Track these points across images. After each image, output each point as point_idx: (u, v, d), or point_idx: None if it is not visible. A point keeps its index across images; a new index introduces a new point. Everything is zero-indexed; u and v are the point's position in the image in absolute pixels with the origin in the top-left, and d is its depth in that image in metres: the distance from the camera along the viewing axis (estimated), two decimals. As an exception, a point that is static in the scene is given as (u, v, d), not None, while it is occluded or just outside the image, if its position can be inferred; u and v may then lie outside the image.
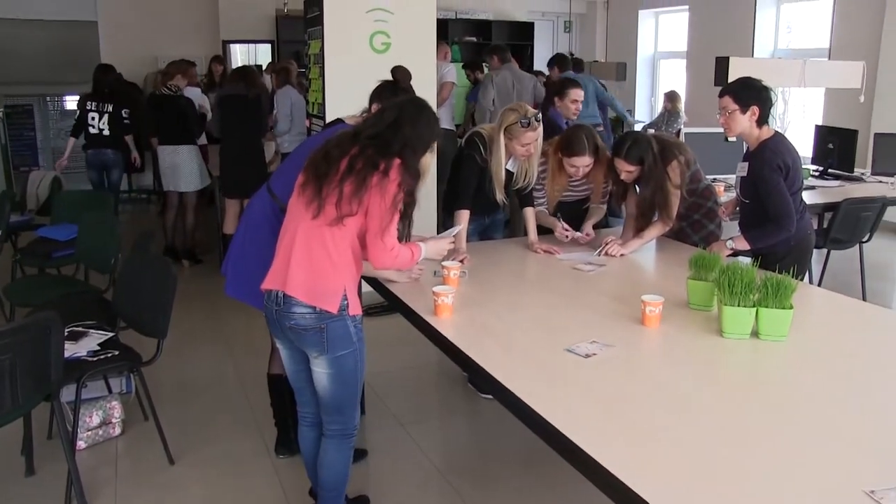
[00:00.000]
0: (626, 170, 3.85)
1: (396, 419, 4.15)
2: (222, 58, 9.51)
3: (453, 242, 3.36)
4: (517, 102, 4.02)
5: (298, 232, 2.67)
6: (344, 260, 2.66)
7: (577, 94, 5.70)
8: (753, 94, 3.62)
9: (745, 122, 3.62)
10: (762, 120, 3.63)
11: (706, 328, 2.78)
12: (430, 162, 2.83)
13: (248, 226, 3.34)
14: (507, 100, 7.28)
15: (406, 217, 2.73)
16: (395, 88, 3.44)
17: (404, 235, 2.81)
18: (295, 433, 3.41)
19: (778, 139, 3.67)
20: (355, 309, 2.71)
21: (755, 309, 2.64)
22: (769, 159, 3.58)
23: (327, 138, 2.78)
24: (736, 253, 3.75)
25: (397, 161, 2.62)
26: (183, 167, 6.99)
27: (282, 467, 3.66)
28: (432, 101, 5.71)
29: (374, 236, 2.66)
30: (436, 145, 2.87)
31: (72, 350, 3.42)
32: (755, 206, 3.71)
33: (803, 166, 6.21)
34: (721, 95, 3.69)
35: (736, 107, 3.61)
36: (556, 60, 8.54)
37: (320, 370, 2.75)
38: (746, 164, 3.72)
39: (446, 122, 8.19)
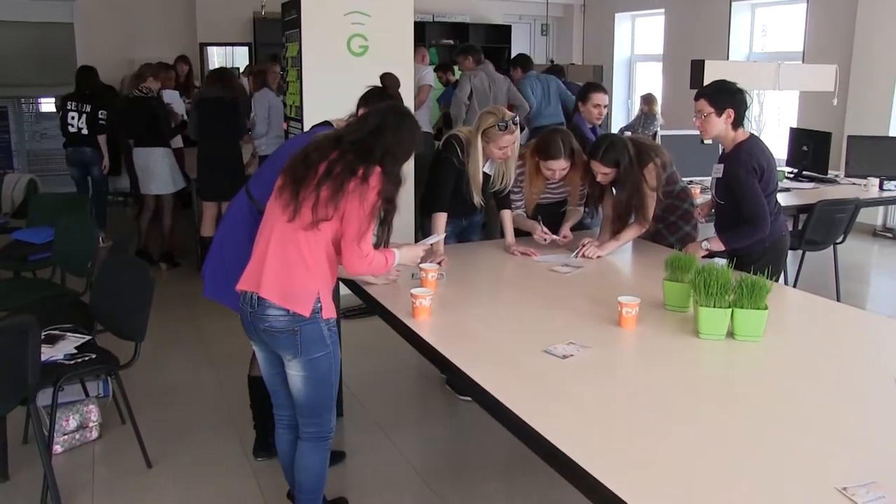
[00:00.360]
0: (602, 172, 3.88)
1: (375, 421, 4.15)
2: (187, 57, 9.42)
3: (427, 250, 3.37)
4: (494, 106, 4.05)
5: (274, 234, 2.68)
6: (318, 263, 2.66)
7: (600, 98, 5.27)
8: (728, 98, 3.66)
9: (720, 124, 3.67)
10: (737, 122, 3.68)
11: (682, 329, 2.81)
12: (410, 168, 2.84)
13: (227, 228, 3.34)
14: (484, 100, 7.30)
15: (386, 223, 2.74)
16: (383, 95, 3.44)
17: (383, 241, 2.81)
18: (274, 436, 3.41)
19: (753, 142, 3.71)
20: (329, 312, 2.71)
21: (730, 310, 2.67)
22: (744, 161, 3.63)
23: (308, 143, 2.78)
24: (711, 254, 3.79)
25: (377, 168, 2.63)
26: (156, 170, 6.95)
27: (260, 470, 3.65)
28: (410, 104, 5.72)
29: (349, 242, 2.66)
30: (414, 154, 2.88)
31: (48, 353, 3.40)
32: (730, 208, 3.75)
33: (778, 168, 6.30)
34: (696, 99, 3.73)
35: (711, 110, 3.66)
36: (518, 61, 8.51)
37: (294, 373, 2.76)
38: (722, 165, 3.77)
39: (424, 126, 8.22)
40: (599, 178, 3.93)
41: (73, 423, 3.81)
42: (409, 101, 5.76)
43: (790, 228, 6.19)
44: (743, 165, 3.63)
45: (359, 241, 2.66)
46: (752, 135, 3.78)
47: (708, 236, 3.90)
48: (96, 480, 3.59)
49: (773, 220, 3.77)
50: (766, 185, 3.69)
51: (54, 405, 3.42)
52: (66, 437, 3.79)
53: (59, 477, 3.29)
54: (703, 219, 4.19)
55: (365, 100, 3.43)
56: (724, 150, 3.79)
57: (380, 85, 3.85)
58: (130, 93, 7.15)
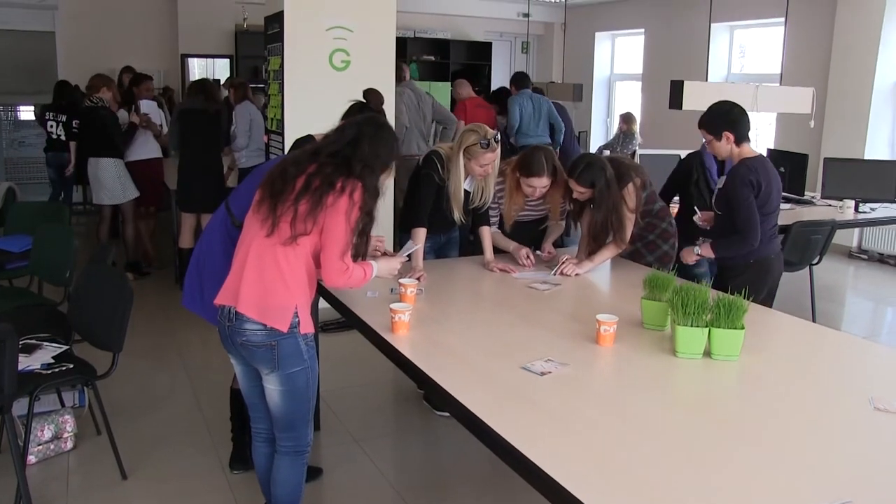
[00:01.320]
0: (579, 191, 3.92)
1: (351, 436, 4.15)
2: (131, 67, 9.34)
3: (405, 261, 3.38)
4: (476, 123, 4.07)
5: (252, 249, 2.68)
6: (297, 278, 2.66)
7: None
8: (721, 121, 3.89)
9: (724, 147, 3.91)
10: (739, 139, 3.90)
11: (660, 347, 2.83)
12: (388, 180, 2.86)
13: (205, 242, 3.34)
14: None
15: (364, 235, 2.74)
16: (365, 110, 3.47)
17: (361, 253, 2.82)
18: (251, 448, 3.40)
19: (758, 160, 3.91)
20: (307, 327, 2.72)
21: (708, 329, 2.70)
22: (742, 175, 3.81)
23: (285, 156, 2.79)
24: (700, 259, 4.04)
25: (359, 184, 2.64)
26: (104, 180, 6.89)
27: (236, 483, 3.64)
28: (391, 119, 5.75)
29: (331, 257, 2.66)
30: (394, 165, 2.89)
31: (25, 363, 3.39)
32: (727, 219, 3.91)
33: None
34: (699, 127, 3.97)
35: (711, 137, 3.91)
36: (515, 79, 8.60)
37: (272, 387, 2.76)
38: (724, 178, 3.96)
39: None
40: (576, 196, 3.97)
41: (47, 434, 3.78)
42: (389, 115, 5.79)
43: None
44: (740, 178, 3.80)
45: (341, 256, 2.67)
46: (760, 154, 3.96)
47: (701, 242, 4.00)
48: (70, 491, 3.56)
49: (767, 240, 3.93)
50: (762, 203, 3.83)
51: (30, 415, 3.39)
52: (40, 447, 3.75)
53: (32, 488, 3.26)
54: (706, 224, 4.22)
55: (347, 115, 3.46)
56: (731, 164, 4.00)
57: (362, 100, 3.88)
58: (83, 103, 7.18)
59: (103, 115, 6.88)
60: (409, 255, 3.41)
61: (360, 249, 2.79)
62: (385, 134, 2.79)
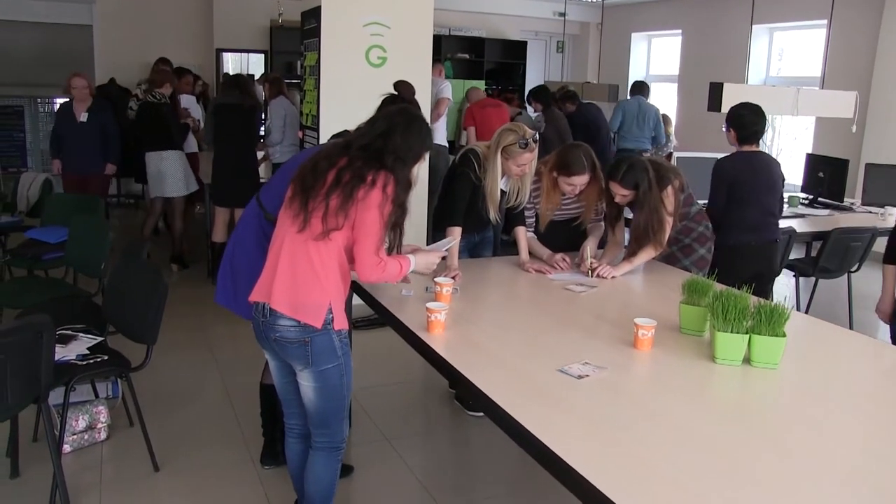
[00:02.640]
0: (621, 193, 3.87)
1: (382, 434, 4.14)
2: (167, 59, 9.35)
3: (444, 256, 3.36)
4: (515, 123, 4.04)
5: (285, 245, 2.67)
6: (330, 274, 2.65)
7: None
8: (730, 119, 4.52)
9: (729, 140, 4.53)
10: (742, 140, 4.47)
11: (698, 353, 2.79)
12: (419, 172, 2.83)
13: (237, 236, 3.35)
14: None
15: (397, 227, 2.72)
16: (397, 102, 3.44)
17: (395, 246, 2.80)
18: (282, 444, 3.40)
19: (739, 155, 4.49)
20: (341, 323, 2.70)
21: (748, 336, 2.65)
22: (718, 165, 4.50)
23: (318, 150, 2.78)
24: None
25: (392, 177, 2.62)
26: (168, 172, 7.00)
27: (267, 478, 3.64)
28: (427, 117, 5.73)
29: (365, 251, 2.65)
30: (427, 156, 2.87)
31: (61, 353, 3.41)
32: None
33: (792, 194, 6.32)
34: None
35: (724, 129, 4.57)
36: (633, 86, 8.97)
37: (306, 383, 2.75)
38: None
39: (440, 139, 8.23)
40: (618, 200, 3.92)
41: (82, 424, 3.81)
42: (426, 113, 5.79)
43: (803, 255, 6.21)
44: (713, 172, 4.49)
45: (375, 251, 2.65)
46: (754, 151, 4.47)
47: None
48: (104, 481, 3.59)
49: (739, 229, 4.44)
50: (739, 194, 4.42)
51: (65, 405, 3.42)
52: (75, 436, 3.79)
53: (67, 476, 3.28)
54: None
55: (381, 109, 3.44)
56: None
57: (394, 93, 3.86)
58: (144, 98, 7.22)
59: (166, 111, 6.96)
60: (445, 251, 3.37)
61: (394, 242, 2.77)
62: (417, 125, 2.76)
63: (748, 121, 4.40)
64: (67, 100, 7.08)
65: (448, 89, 8.44)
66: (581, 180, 3.99)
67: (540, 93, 8.59)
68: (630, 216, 4.05)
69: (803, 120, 9.55)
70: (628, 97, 9.00)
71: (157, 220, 7.27)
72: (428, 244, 3.51)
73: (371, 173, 2.60)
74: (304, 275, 2.63)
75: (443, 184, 4.18)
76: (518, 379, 2.51)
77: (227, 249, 3.37)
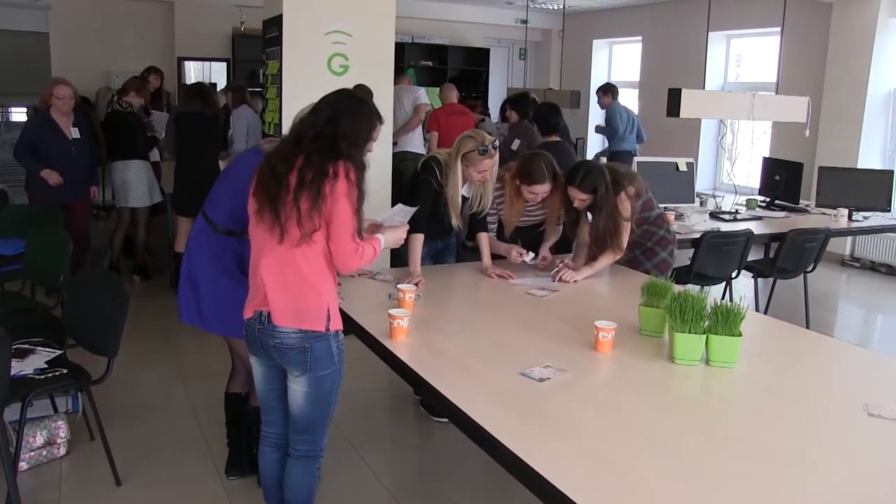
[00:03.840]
0: (580, 198, 3.91)
1: (348, 441, 4.12)
2: (159, 69, 9.17)
3: (407, 227, 3.35)
4: (474, 130, 4.06)
5: (267, 260, 2.64)
6: (321, 276, 2.64)
7: None
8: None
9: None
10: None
11: (657, 354, 2.83)
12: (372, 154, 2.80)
13: (191, 255, 3.32)
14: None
15: (358, 212, 2.68)
16: None
17: (359, 231, 2.76)
18: (248, 454, 3.39)
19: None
20: (336, 323, 2.70)
21: (705, 336, 2.69)
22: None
23: (270, 151, 2.72)
24: None
25: (347, 162, 2.58)
26: (134, 182, 6.89)
27: (233, 489, 3.61)
28: (389, 125, 5.74)
29: (341, 241, 2.62)
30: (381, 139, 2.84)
31: (18, 368, 3.36)
32: None
33: (750, 197, 6.45)
34: None
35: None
36: (609, 88, 8.96)
37: (299, 388, 2.72)
38: None
39: (418, 146, 8.19)
40: (576, 204, 3.96)
41: (40, 440, 3.75)
42: (388, 121, 5.79)
43: (761, 256, 6.31)
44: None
45: (352, 238, 2.63)
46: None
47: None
48: (63, 498, 3.53)
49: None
50: None
51: (22, 421, 3.36)
52: (32, 453, 3.72)
53: (23, 495, 3.24)
54: None
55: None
56: None
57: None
58: (111, 107, 7.13)
59: (133, 121, 6.87)
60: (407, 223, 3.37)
61: (359, 227, 2.74)
62: (362, 105, 2.73)
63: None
64: (38, 107, 6.43)
65: (425, 95, 8.43)
66: (542, 189, 4.03)
67: (517, 102, 8.25)
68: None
69: (761, 124, 9.70)
70: (614, 101, 9.01)
71: (125, 230, 7.18)
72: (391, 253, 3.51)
73: (331, 165, 2.56)
74: (296, 285, 2.62)
75: (404, 191, 4.19)
76: (480, 383, 2.53)
77: (183, 268, 3.34)
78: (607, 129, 9.34)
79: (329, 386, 2.74)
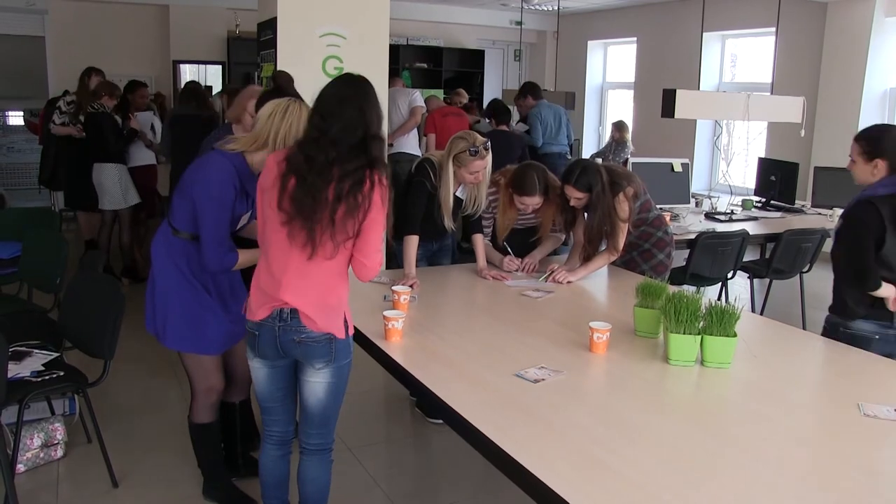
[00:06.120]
0: (575, 196, 3.92)
1: (344, 443, 4.12)
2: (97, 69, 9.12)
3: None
4: (466, 131, 4.07)
5: (293, 271, 2.57)
6: (343, 286, 2.65)
7: None
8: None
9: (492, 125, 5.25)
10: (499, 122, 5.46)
11: (652, 355, 2.84)
12: None
13: (156, 272, 3.18)
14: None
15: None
16: (280, 94, 3.22)
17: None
18: (243, 457, 3.38)
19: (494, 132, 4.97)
20: (351, 323, 2.73)
21: (700, 336, 2.70)
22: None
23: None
24: None
25: (379, 167, 2.52)
26: (106, 185, 6.87)
27: (228, 491, 3.61)
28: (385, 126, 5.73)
29: (372, 254, 2.59)
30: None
31: (15, 370, 3.37)
32: None
33: (746, 197, 6.45)
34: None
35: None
36: (528, 89, 8.60)
37: (320, 380, 2.70)
38: None
39: (414, 147, 8.21)
40: (573, 203, 3.96)
41: (37, 442, 3.75)
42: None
43: (757, 257, 6.32)
44: None
45: (379, 250, 2.63)
46: (504, 130, 5.12)
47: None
48: (60, 500, 3.53)
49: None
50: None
51: (19, 423, 3.37)
52: (29, 455, 3.72)
53: (21, 497, 3.25)
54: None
55: (261, 103, 3.21)
56: None
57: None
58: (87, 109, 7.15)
59: (101, 122, 6.87)
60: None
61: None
62: (370, 90, 2.61)
63: (502, 108, 7.06)
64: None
65: (420, 98, 8.45)
66: (532, 202, 4.04)
67: (493, 108, 8.36)
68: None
69: (758, 125, 9.72)
70: (543, 102, 8.65)
71: (109, 231, 7.17)
72: (387, 256, 3.51)
73: (366, 173, 2.49)
74: (329, 297, 2.62)
75: (399, 194, 4.19)
76: (475, 385, 2.54)
77: (148, 291, 3.24)
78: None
79: (346, 376, 2.75)
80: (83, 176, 6.73)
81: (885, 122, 8.77)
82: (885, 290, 3.17)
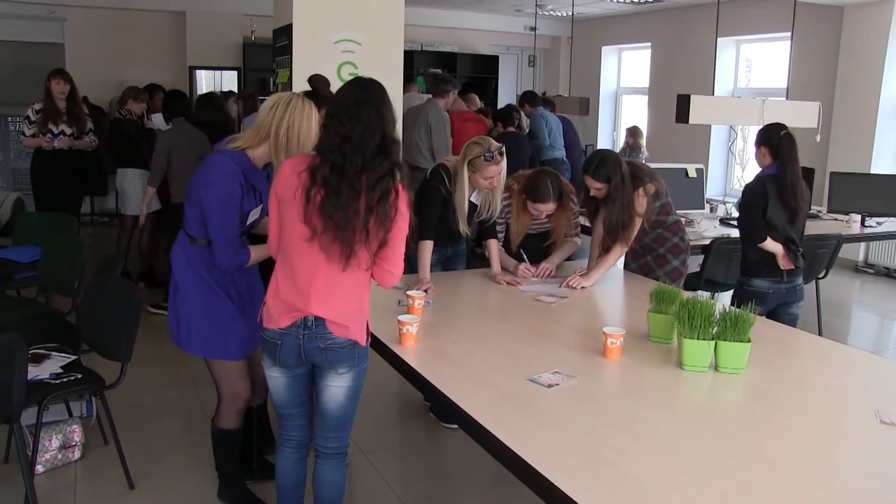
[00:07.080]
0: (595, 187, 3.94)
1: (358, 447, 4.14)
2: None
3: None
4: (480, 136, 4.09)
5: (323, 278, 2.57)
6: (367, 293, 2.68)
7: None
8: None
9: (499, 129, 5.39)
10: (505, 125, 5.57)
11: (666, 360, 2.84)
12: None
13: (177, 281, 3.20)
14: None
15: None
16: (316, 97, 3.25)
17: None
18: (258, 460, 3.40)
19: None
20: (369, 327, 2.76)
21: (714, 342, 2.70)
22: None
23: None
24: None
25: (401, 172, 2.53)
26: (128, 190, 6.99)
27: (243, 494, 3.63)
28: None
29: (397, 261, 2.62)
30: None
31: (34, 373, 3.40)
32: None
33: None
34: None
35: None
36: (525, 98, 8.68)
37: (342, 385, 2.71)
38: None
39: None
40: (593, 193, 3.99)
41: (55, 443, 3.79)
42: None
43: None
44: None
45: (402, 257, 2.65)
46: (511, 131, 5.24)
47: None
48: (78, 500, 3.57)
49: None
50: None
51: (38, 425, 3.40)
52: (48, 456, 3.76)
53: (40, 497, 3.28)
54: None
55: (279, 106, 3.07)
56: None
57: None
58: (113, 115, 7.26)
59: (128, 127, 6.95)
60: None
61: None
62: (384, 92, 2.57)
63: (505, 111, 7.49)
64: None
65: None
66: (546, 208, 4.06)
67: (497, 113, 8.50)
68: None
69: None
70: (534, 109, 8.78)
71: (129, 236, 7.23)
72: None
73: (390, 181, 2.49)
74: (355, 305, 2.64)
75: (415, 199, 4.20)
76: (489, 389, 2.55)
77: (171, 287, 3.25)
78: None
79: (363, 379, 2.77)
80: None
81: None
82: (772, 246, 4.11)
